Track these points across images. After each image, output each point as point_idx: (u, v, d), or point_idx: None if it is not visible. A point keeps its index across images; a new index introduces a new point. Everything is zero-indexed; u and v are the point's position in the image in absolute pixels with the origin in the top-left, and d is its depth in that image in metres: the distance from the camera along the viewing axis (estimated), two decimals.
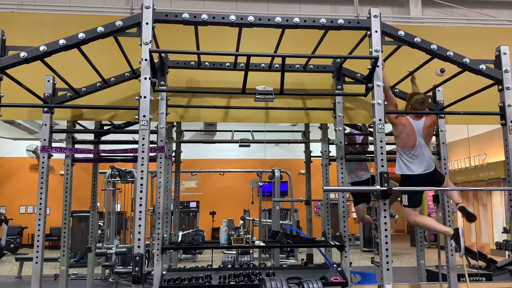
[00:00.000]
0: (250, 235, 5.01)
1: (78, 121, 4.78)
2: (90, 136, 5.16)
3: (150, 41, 3.06)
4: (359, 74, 4.08)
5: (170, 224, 4.52)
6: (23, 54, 3.06)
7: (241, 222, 10.46)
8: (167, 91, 3.84)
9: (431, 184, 3.74)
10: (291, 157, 13.40)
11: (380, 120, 3.14)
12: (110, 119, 4.34)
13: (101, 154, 4.96)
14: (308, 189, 5.45)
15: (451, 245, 3.94)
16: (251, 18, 3.16)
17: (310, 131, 5.45)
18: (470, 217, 3.65)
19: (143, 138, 3.02)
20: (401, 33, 3.26)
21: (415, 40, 3.27)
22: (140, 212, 2.96)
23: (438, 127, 4.35)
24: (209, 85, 4.22)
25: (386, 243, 3.06)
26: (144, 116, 3.04)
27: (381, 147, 3.13)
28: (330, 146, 4.60)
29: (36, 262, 3.67)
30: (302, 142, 5.58)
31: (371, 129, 3.55)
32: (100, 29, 3.10)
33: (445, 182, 3.86)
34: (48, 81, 3.89)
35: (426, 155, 3.71)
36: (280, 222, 8.16)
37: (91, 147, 5.14)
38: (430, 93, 4.23)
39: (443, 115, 4.33)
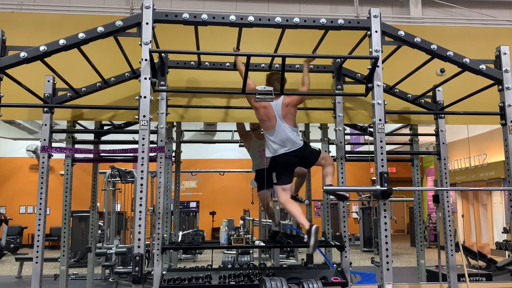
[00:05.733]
0: (250, 235, 5.01)
1: (78, 121, 4.78)
2: (90, 136, 5.16)
3: (150, 41, 3.06)
4: (359, 74, 4.08)
5: (170, 224, 4.51)
6: (23, 54, 3.06)
7: (241, 222, 10.46)
8: (167, 91, 3.84)
9: (300, 162, 3.78)
10: None
11: (380, 120, 3.14)
12: (110, 119, 4.34)
13: (101, 154, 4.96)
14: (308, 189, 5.44)
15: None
16: (251, 18, 3.16)
17: (310, 131, 5.45)
18: (340, 197, 3.64)
19: (143, 138, 3.02)
20: (401, 33, 3.26)
21: (415, 40, 3.27)
22: (140, 212, 2.96)
23: (438, 127, 4.35)
24: (209, 85, 4.22)
25: (386, 243, 3.06)
26: (144, 116, 3.04)
27: (381, 147, 3.13)
28: (330, 146, 4.60)
29: (36, 262, 3.67)
30: None
31: (371, 129, 3.55)
32: (100, 29, 3.10)
33: (320, 158, 3.78)
34: (48, 81, 3.89)
35: (287, 134, 3.67)
36: (280, 222, 8.14)
37: (91, 147, 5.14)
38: (430, 93, 4.23)
39: (443, 115, 4.33)
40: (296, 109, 3.82)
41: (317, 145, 4.89)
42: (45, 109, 3.90)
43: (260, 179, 4.22)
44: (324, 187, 3.51)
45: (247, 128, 4.78)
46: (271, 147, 3.73)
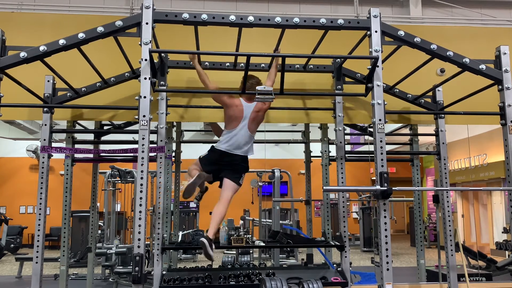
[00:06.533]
0: (250, 235, 5.00)
1: (78, 121, 4.78)
2: (90, 136, 5.16)
3: (150, 41, 3.06)
4: (359, 74, 4.08)
5: (170, 224, 4.51)
6: (23, 54, 3.06)
7: (241, 222, 10.46)
8: (167, 91, 3.84)
9: (223, 164, 3.72)
10: (291, 157, 13.40)
11: (380, 120, 3.14)
12: (110, 119, 4.34)
13: (101, 154, 4.96)
14: (308, 189, 5.45)
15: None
16: (251, 18, 3.16)
17: (310, 131, 5.45)
18: (206, 255, 3.43)
19: (143, 138, 3.02)
20: (401, 33, 3.26)
21: (415, 40, 3.27)
22: (140, 212, 2.96)
23: (438, 127, 4.35)
24: None
25: (386, 243, 3.06)
26: (144, 116, 3.04)
27: (381, 147, 3.13)
28: (330, 146, 4.60)
29: (36, 262, 3.67)
30: (302, 142, 5.59)
31: (371, 129, 3.56)
32: (100, 29, 3.10)
33: (231, 187, 3.70)
34: (48, 81, 3.89)
35: (242, 139, 3.68)
36: (280, 222, 8.16)
37: (91, 147, 5.14)
38: (430, 93, 4.23)
39: (443, 115, 4.33)
40: (264, 117, 3.83)
41: (317, 145, 4.92)
42: (45, 109, 3.90)
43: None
44: (324, 187, 3.51)
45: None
46: (221, 142, 3.72)
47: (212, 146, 3.81)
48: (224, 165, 3.77)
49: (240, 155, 3.73)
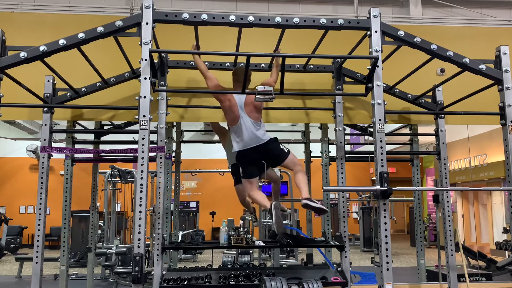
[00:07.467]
0: (250, 235, 5.01)
1: (78, 121, 4.78)
2: (90, 136, 5.16)
3: (150, 41, 3.06)
4: (359, 74, 4.08)
5: (170, 224, 4.52)
6: (23, 54, 3.06)
7: (241, 222, 10.46)
8: (167, 91, 3.84)
9: (264, 157, 3.73)
10: None
11: (380, 120, 3.14)
12: (110, 119, 4.34)
13: (101, 154, 4.96)
14: (308, 189, 5.44)
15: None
16: (251, 18, 3.16)
17: (310, 131, 5.45)
18: (318, 211, 3.62)
19: (143, 138, 3.02)
20: (401, 33, 3.26)
21: (415, 40, 3.27)
22: (140, 212, 2.97)
23: (438, 127, 4.35)
24: None
25: (386, 243, 3.06)
26: (144, 116, 3.04)
27: (381, 147, 3.13)
28: (330, 146, 4.60)
29: (36, 262, 3.67)
30: (302, 142, 5.58)
31: (371, 129, 3.55)
32: (100, 29, 3.10)
33: (288, 161, 3.76)
34: (48, 81, 3.89)
35: (250, 129, 3.67)
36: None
37: (91, 147, 5.14)
38: (430, 93, 4.23)
39: (443, 115, 4.33)
40: (263, 103, 3.79)
41: (317, 145, 4.92)
42: (45, 109, 3.90)
43: (236, 173, 4.22)
44: (324, 187, 3.51)
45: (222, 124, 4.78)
46: (235, 142, 3.75)
47: (238, 152, 3.73)
48: (264, 159, 3.73)
49: (264, 143, 3.68)
